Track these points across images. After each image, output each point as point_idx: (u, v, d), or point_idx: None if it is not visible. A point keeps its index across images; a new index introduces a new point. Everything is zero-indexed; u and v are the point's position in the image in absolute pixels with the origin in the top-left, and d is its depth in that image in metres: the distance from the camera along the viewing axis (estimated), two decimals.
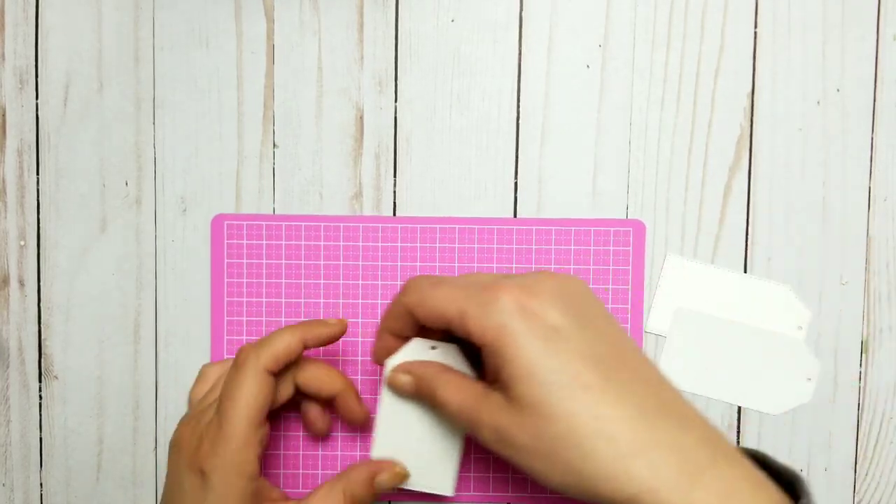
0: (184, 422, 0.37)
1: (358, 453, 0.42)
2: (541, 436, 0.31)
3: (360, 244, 0.42)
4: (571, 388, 0.31)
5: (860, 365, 0.42)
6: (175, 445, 0.36)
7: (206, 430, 0.35)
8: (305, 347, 0.38)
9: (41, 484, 0.43)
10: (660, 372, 0.34)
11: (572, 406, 0.31)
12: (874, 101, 0.42)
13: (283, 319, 0.42)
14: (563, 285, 0.34)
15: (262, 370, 0.36)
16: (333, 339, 0.39)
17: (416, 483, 0.38)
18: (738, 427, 0.42)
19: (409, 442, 0.37)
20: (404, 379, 0.37)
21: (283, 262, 0.42)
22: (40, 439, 0.43)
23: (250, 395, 0.35)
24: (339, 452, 0.42)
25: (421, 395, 0.36)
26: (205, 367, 0.41)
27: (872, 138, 0.42)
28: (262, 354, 0.36)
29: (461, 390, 0.34)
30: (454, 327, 0.34)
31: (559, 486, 0.32)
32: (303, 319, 0.42)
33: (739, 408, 0.42)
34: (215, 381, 0.40)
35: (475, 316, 0.33)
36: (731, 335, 0.42)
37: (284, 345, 0.37)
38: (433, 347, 0.37)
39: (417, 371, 0.36)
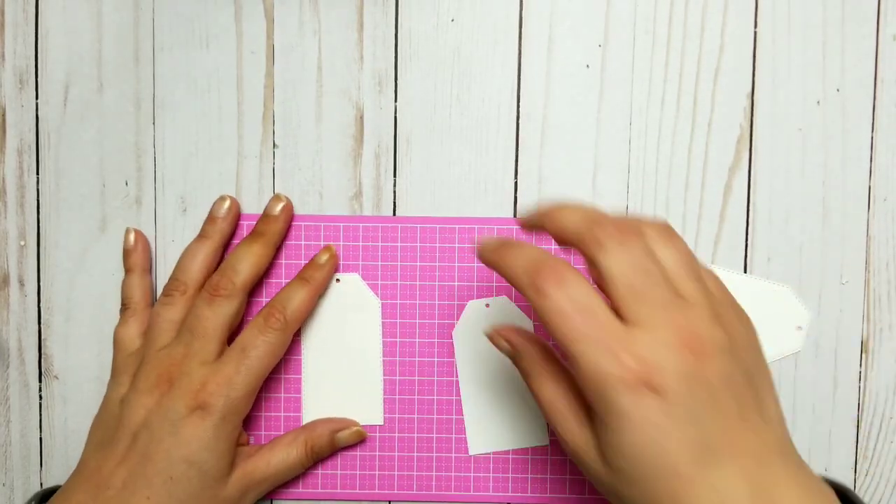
0: (159, 359, 0.39)
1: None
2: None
3: (360, 244, 0.42)
4: None
5: (860, 365, 0.42)
6: (167, 381, 0.38)
7: (213, 372, 0.38)
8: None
9: (41, 484, 0.43)
10: None
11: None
12: (874, 101, 0.42)
13: None
14: None
15: (290, 335, 0.40)
16: (288, 225, 0.42)
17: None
18: None
19: (335, 389, 0.42)
20: (503, 345, 0.35)
21: (283, 262, 0.42)
22: (40, 439, 0.43)
23: (274, 358, 0.39)
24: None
25: (516, 364, 0.35)
26: (128, 291, 0.42)
27: (872, 138, 0.42)
28: (291, 323, 0.39)
29: (554, 387, 0.33)
30: None
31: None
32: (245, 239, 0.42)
33: None
34: (143, 314, 0.41)
35: None
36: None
37: (299, 300, 0.40)
38: (487, 305, 0.42)
39: (518, 344, 0.34)
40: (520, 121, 0.42)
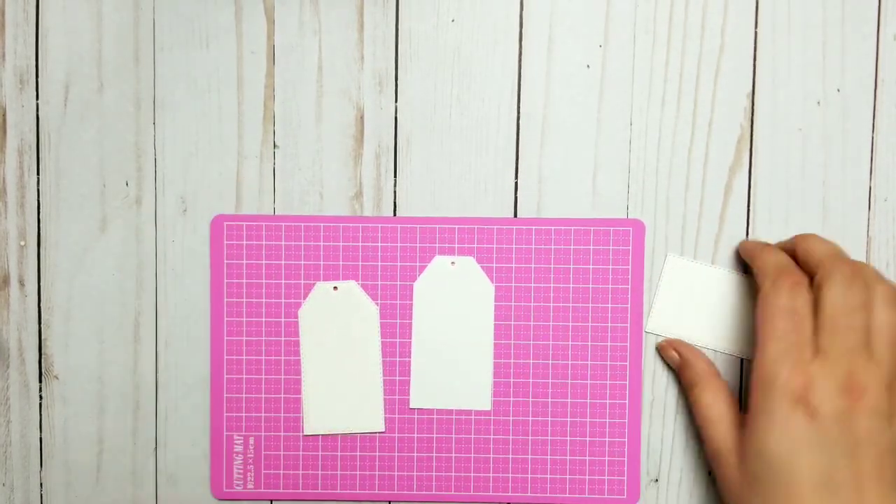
0: None
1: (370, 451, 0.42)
2: None
3: (360, 244, 0.42)
4: None
5: None
6: None
7: None
8: None
9: (41, 484, 0.43)
10: None
11: None
12: (874, 101, 0.42)
13: (282, 320, 0.42)
14: None
15: None
16: None
17: (351, 427, 0.42)
18: None
19: (336, 398, 0.42)
20: (673, 355, 0.41)
21: (283, 262, 0.42)
22: (40, 439, 0.43)
23: None
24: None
25: (680, 374, 0.41)
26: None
27: (872, 138, 0.42)
28: None
29: (713, 396, 0.39)
30: None
31: None
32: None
33: (741, 407, 0.42)
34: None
35: None
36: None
37: None
38: (453, 263, 0.41)
39: (687, 356, 0.40)
40: (520, 121, 0.42)
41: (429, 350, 0.42)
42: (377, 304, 0.42)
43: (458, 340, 0.42)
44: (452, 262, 0.42)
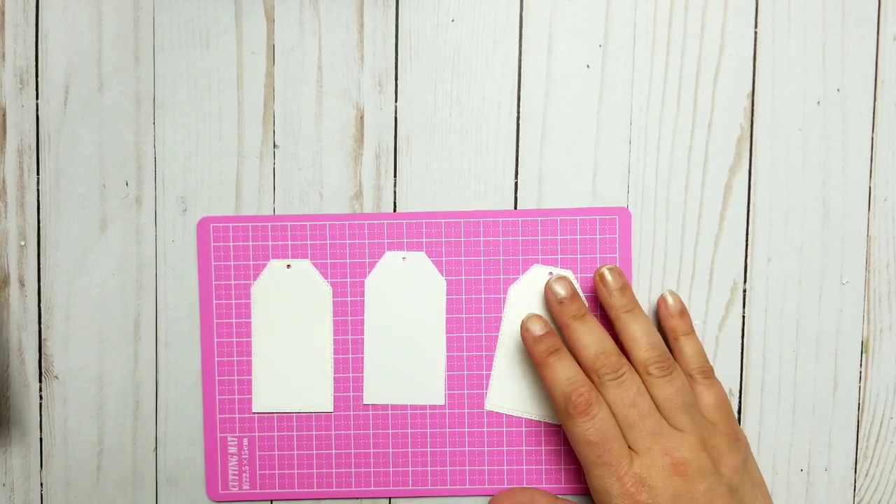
0: None
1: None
2: None
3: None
4: None
5: (860, 365, 0.42)
6: None
7: None
8: None
9: (41, 484, 0.43)
10: None
11: None
12: (874, 101, 0.42)
13: None
14: None
15: None
16: None
17: (301, 407, 0.42)
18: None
19: (286, 378, 0.42)
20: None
21: (270, 263, 0.42)
22: (40, 439, 0.43)
23: None
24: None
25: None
26: None
27: (872, 138, 0.42)
28: None
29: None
30: None
31: None
32: None
33: (739, 407, 0.42)
34: None
35: None
36: None
37: None
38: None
39: None
40: (520, 121, 0.42)
41: (382, 346, 0.42)
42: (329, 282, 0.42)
43: (411, 336, 0.42)
44: (404, 258, 0.42)
